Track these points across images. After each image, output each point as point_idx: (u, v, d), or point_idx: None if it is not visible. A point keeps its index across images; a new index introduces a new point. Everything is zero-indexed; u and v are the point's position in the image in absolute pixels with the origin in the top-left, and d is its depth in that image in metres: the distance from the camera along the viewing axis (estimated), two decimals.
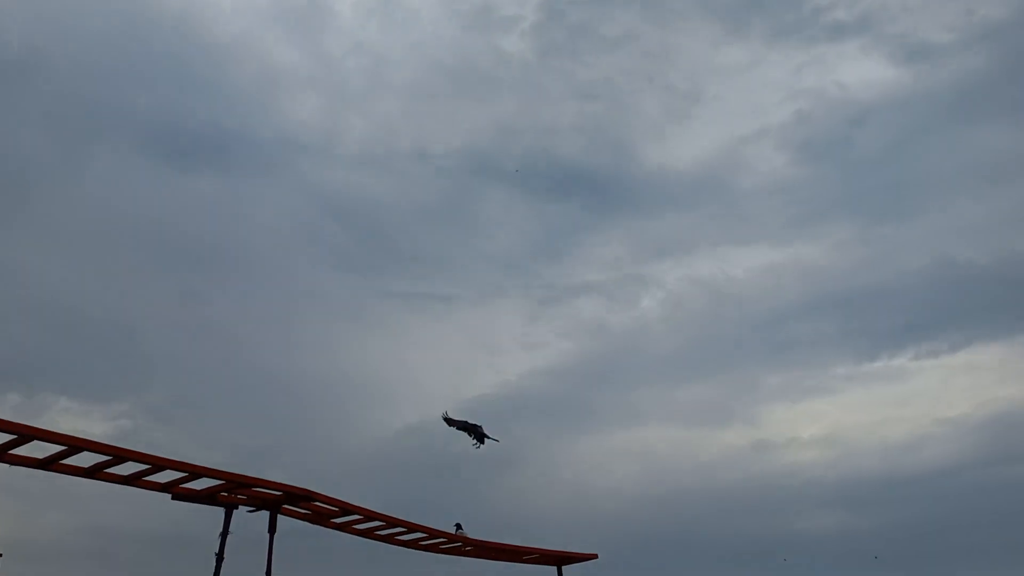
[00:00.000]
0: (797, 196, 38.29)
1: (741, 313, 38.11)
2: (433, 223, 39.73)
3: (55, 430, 7.81)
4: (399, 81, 39.38)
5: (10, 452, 7.85)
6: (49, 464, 8.19)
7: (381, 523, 10.90)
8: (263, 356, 33.89)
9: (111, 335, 30.52)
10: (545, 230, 40.14)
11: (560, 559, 13.28)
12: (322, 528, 10.78)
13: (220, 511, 9.75)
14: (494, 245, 39.55)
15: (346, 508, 10.22)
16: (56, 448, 7.97)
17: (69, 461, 8.28)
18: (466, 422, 12.63)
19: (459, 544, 12.03)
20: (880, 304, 36.15)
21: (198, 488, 9.36)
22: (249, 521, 10.08)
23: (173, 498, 9.33)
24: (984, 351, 34.42)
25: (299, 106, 38.67)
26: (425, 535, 11.55)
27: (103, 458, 8.29)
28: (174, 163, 35.23)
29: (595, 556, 13.64)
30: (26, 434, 7.56)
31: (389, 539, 11.43)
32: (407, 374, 36.49)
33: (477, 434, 12.48)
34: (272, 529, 9.76)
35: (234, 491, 9.54)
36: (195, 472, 8.83)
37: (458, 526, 12.06)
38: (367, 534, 11.16)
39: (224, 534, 9.63)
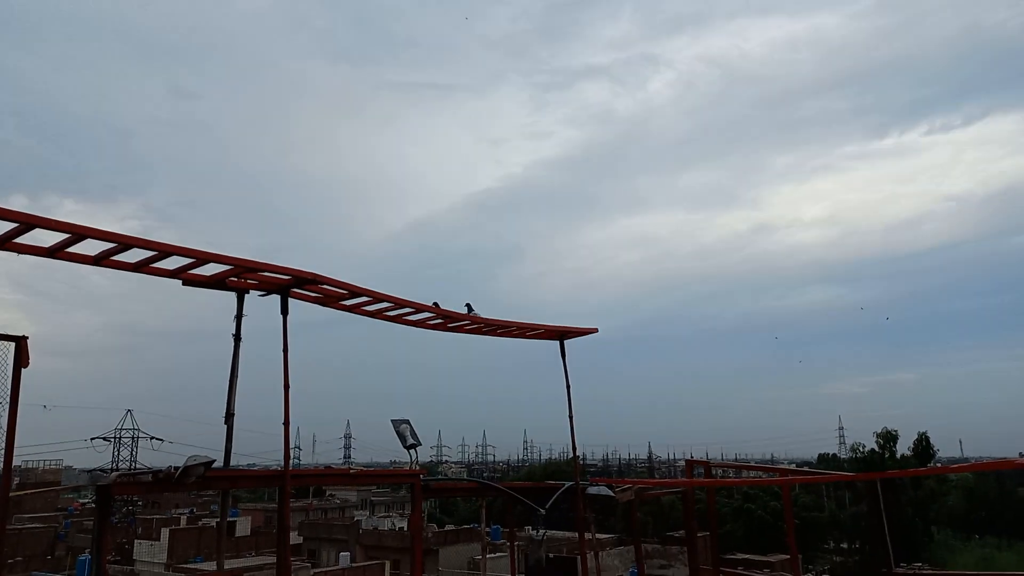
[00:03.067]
0: None
1: (754, 92, 36.92)
2: (425, 2, 37.07)
3: None
4: None
5: (14, 241, 7.89)
6: (55, 252, 8.26)
7: (390, 304, 11.25)
8: (259, 155, 33.50)
9: (105, 136, 29.93)
10: (547, 7, 37.54)
11: (562, 334, 13.91)
12: (340, 315, 11.15)
13: (233, 299, 10.10)
14: (492, 26, 37.32)
15: (354, 291, 10.50)
16: (60, 236, 7.99)
17: (74, 249, 8.33)
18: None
19: (466, 322, 12.53)
20: (898, 77, 34.82)
21: (207, 274, 9.55)
22: (263, 307, 10.41)
23: (183, 283, 9.55)
24: (999, 122, 33.65)
25: None
26: (432, 315, 11.98)
27: (108, 245, 8.34)
28: None
29: (595, 330, 14.29)
30: (28, 222, 7.54)
31: (398, 319, 11.89)
32: (408, 169, 36.31)
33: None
34: (284, 311, 10.08)
35: (243, 275, 9.75)
36: (202, 258, 8.94)
37: (468, 307, 12.46)
38: (376, 315, 11.58)
39: (239, 316, 10.05)
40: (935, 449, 56.23)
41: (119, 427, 76.19)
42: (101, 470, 73.70)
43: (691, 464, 21.42)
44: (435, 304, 12.13)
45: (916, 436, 55.18)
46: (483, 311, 12.69)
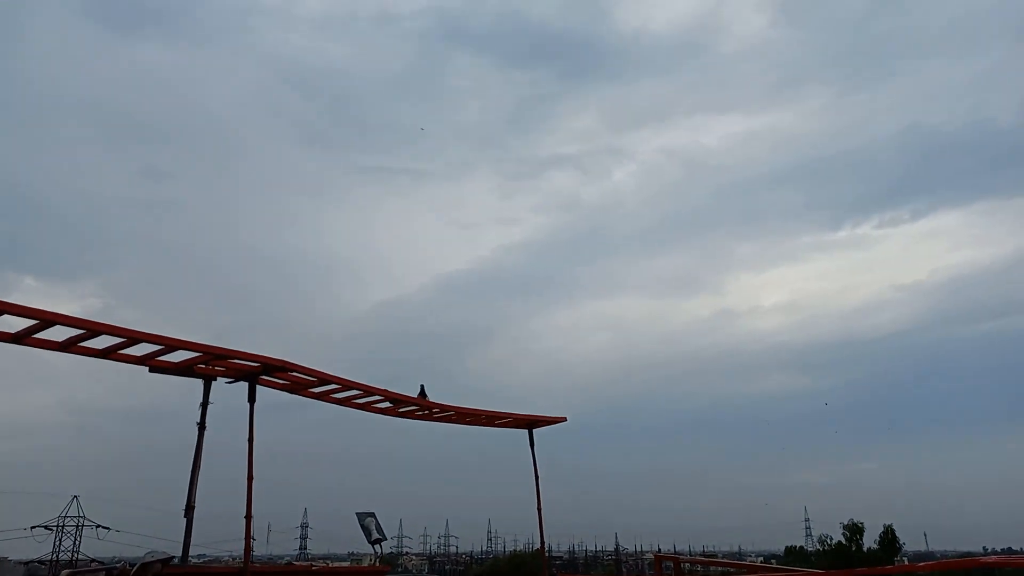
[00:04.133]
0: (775, 60, 37.69)
1: (714, 184, 38.35)
2: (399, 93, 38.50)
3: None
4: None
5: None
6: (22, 338, 8.17)
7: (358, 391, 11.20)
8: (230, 235, 33.56)
9: (71, 214, 29.92)
10: (516, 100, 39.31)
11: (531, 422, 13.89)
12: (300, 399, 11.07)
13: (197, 385, 10.00)
14: (463, 116, 38.69)
15: (323, 378, 10.46)
16: (28, 322, 7.93)
17: (42, 335, 8.26)
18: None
19: (435, 410, 12.48)
20: (849, 173, 36.64)
21: (175, 360, 9.47)
22: (228, 392, 10.31)
23: (151, 371, 9.45)
24: (944, 218, 35.34)
25: None
26: (402, 402, 11.93)
27: (77, 332, 8.29)
28: (117, 30, 33.15)
29: (564, 419, 14.28)
30: None
31: (367, 407, 11.81)
32: (378, 251, 36.57)
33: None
34: (252, 399, 9.98)
35: (212, 363, 9.68)
36: (171, 345, 8.90)
37: (421, 388, 12.30)
38: (345, 403, 11.50)
39: (204, 404, 9.92)
40: (901, 543, 55.99)
41: (63, 514, 72.47)
42: (39, 562, 69.49)
43: (659, 559, 21.03)
44: (421, 391, 12.11)
45: (882, 528, 55.00)
46: (451, 396, 12.66)
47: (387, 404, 11.98)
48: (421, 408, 12.38)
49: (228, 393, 10.32)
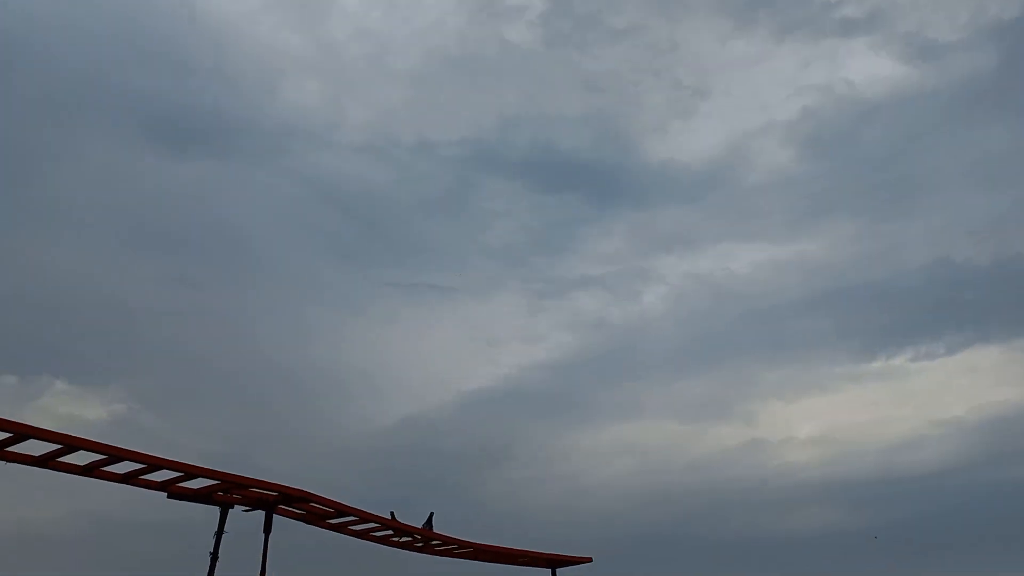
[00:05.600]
0: (801, 192, 38.27)
1: (742, 309, 38.17)
2: (433, 214, 39.68)
3: (52, 418, 7.79)
4: (402, 68, 39.11)
5: (7, 449, 7.81)
6: (46, 462, 8.15)
7: (376, 525, 10.89)
8: (259, 345, 33.88)
9: (107, 319, 30.46)
10: (546, 223, 40.11)
11: (554, 562, 13.30)
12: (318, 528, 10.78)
13: (216, 508, 9.79)
14: (494, 237, 39.51)
15: (342, 509, 10.20)
16: (52, 446, 7.93)
17: (65, 459, 8.23)
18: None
19: (454, 546, 12.03)
20: (879, 303, 36.25)
21: (194, 487, 9.33)
22: (245, 518, 10.08)
23: (169, 496, 9.30)
24: (981, 353, 34.51)
25: (299, 92, 38.47)
26: (419, 538, 11.54)
27: (99, 456, 8.26)
28: (172, 148, 35.08)
29: (589, 559, 13.66)
30: (23, 432, 7.52)
31: (384, 540, 11.43)
32: (405, 365, 36.55)
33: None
34: (267, 529, 9.73)
35: (230, 491, 9.52)
36: (191, 472, 8.81)
37: (430, 516, 11.88)
38: (363, 535, 11.15)
39: (219, 533, 9.62)
40: None
41: None
42: None
43: None
44: (428, 520, 11.76)
45: None
46: (468, 519, 12.27)
47: (405, 539, 11.59)
48: (441, 542, 11.95)
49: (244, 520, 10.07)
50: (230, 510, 9.74)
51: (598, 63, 38.89)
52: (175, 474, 8.87)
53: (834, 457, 33.80)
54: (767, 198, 38.60)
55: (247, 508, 9.90)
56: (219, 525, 9.65)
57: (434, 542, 11.97)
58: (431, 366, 37.44)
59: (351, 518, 10.61)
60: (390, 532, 11.26)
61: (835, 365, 36.42)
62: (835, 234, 38.02)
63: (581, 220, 39.86)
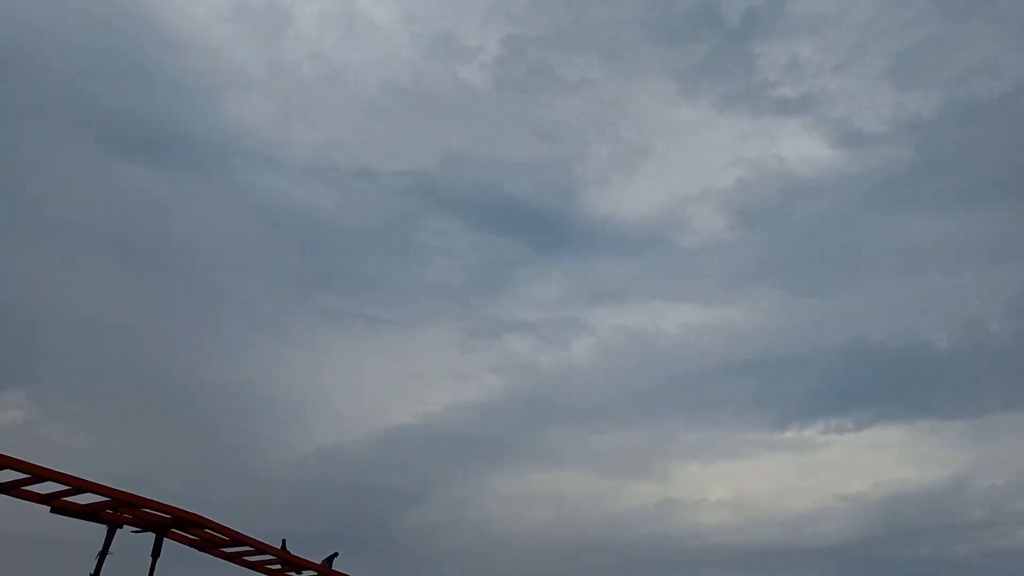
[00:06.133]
0: (732, 259, 39.55)
1: (668, 368, 38.87)
2: (372, 243, 39.43)
3: None
4: (353, 95, 39.13)
5: None
6: None
7: (272, 557, 10.53)
8: (174, 360, 32.63)
9: (14, 322, 28.92)
10: (484, 263, 40.29)
11: None
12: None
13: (102, 528, 9.32)
14: (432, 272, 39.43)
15: (237, 538, 9.85)
16: None
17: None
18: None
19: None
20: (797, 374, 37.48)
21: (82, 503, 8.88)
22: (134, 540, 9.63)
23: (52, 511, 8.82)
24: (887, 431, 35.94)
25: (247, 107, 38.00)
26: (315, 574, 11.19)
27: None
28: (111, 150, 34.09)
29: None
30: None
31: (279, 574, 11.04)
32: (331, 394, 35.80)
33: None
34: (156, 553, 9.32)
35: (120, 509, 9.08)
36: (79, 486, 8.41)
37: (333, 556, 11.58)
38: (257, 567, 10.74)
39: (103, 554, 9.12)
40: None
41: None
42: None
43: None
44: (330, 558, 11.42)
45: None
46: (383, 559, 11.97)
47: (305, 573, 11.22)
48: None
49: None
50: (118, 530, 9.28)
51: (547, 111, 39.79)
52: (62, 487, 8.44)
53: (742, 523, 34.42)
54: (699, 261, 39.81)
55: (137, 529, 9.46)
56: (104, 545, 9.18)
57: None
58: (357, 397, 36.80)
59: (246, 548, 10.24)
60: (285, 566, 10.90)
61: (750, 431, 37.37)
62: (760, 303, 39.38)
63: (520, 263, 40.25)
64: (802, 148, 39.10)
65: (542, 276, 40.49)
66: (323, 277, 37.89)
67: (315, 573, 11.14)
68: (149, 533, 9.48)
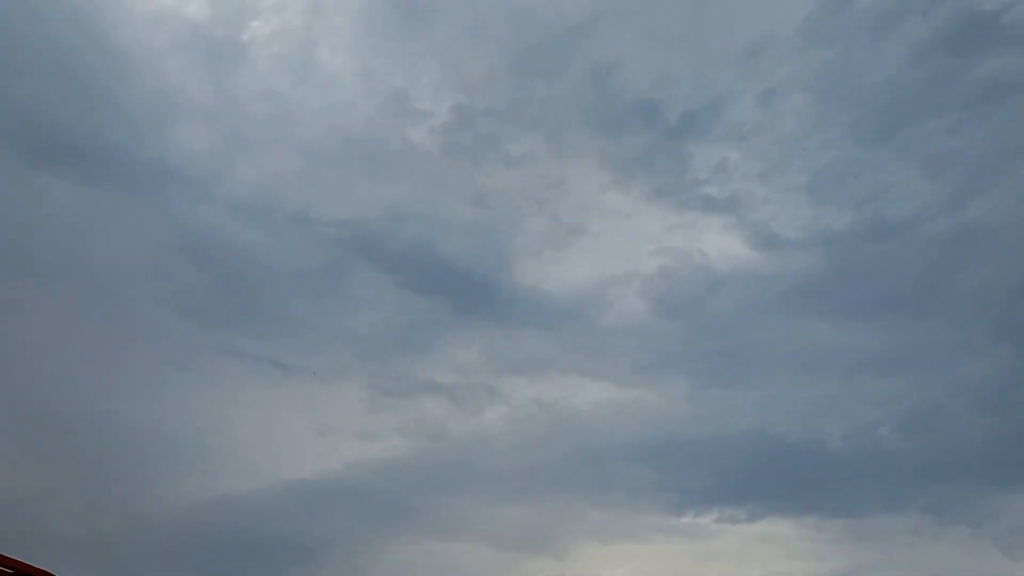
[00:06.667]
0: (649, 343, 40.82)
1: (577, 444, 39.35)
2: (299, 289, 38.97)
3: None
4: (302, 139, 39.21)
5: None
6: None
7: None
8: (64, 388, 30.97)
9: None
10: (408, 321, 40.31)
11: None
12: None
13: None
14: (355, 323, 39.15)
15: (26, 571, 8.84)
16: None
17: None
18: None
19: None
20: (699, 461, 38.55)
21: None
22: None
23: None
24: (777, 524, 37.16)
25: (191, 137, 37.53)
26: None
27: None
28: (36, 160, 32.95)
29: None
30: None
31: None
32: (232, 441, 34.57)
33: None
34: None
35: None
36: None
37: None
38: None
39: None
40: None
41: None
42: None
43: None
44: None
45: None
46: None
47: None
48: None
49: None
50: None
51: (489, 180, 40.82)
52: None
53: None
54: (618, 341, 40.91)
55: None
56: None
57: None
58: (264, 446, 35.66)
59: None
60: None
61: (650, 514, 37.98)
62: (672, 389, 40.61)
63: (443, 325, 40.42)
64: (723, 245, 41.23)
65: (463, 340, 40.81)
66: (245, 318, 37.10)
67: None
68: None
